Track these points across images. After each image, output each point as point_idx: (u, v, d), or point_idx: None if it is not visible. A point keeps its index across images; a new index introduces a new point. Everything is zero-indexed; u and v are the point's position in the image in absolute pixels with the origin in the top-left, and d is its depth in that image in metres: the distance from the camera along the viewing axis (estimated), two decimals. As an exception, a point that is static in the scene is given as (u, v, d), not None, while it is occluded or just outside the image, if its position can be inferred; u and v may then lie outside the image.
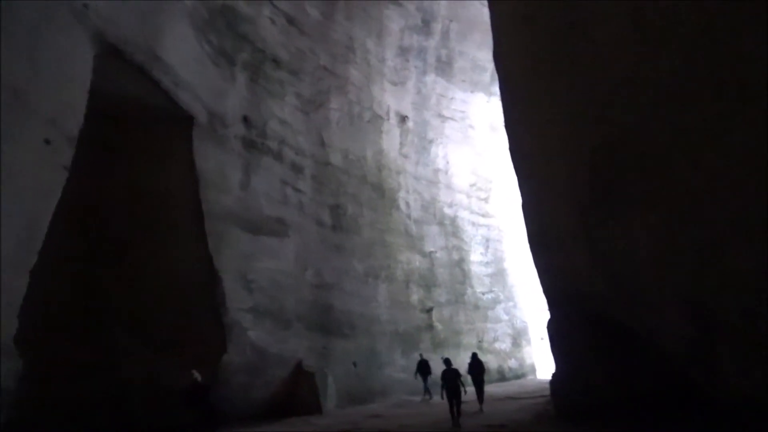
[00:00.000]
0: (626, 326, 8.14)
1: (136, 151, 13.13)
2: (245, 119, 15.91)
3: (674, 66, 5.62)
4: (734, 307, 4.82)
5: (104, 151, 12.82)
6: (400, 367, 19.82)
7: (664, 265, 5.99)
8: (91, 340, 12.28)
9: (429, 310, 22.22)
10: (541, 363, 27.14)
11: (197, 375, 9.38)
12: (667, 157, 5.64)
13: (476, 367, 14.85)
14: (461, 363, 21.46)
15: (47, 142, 9.02)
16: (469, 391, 13.62)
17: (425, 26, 25.81)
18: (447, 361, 12.82)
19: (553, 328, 11.21)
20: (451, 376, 12.19)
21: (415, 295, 22.12)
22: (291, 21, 18.89)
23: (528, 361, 26.78)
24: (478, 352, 17.54)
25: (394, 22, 24.29)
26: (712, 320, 5.19)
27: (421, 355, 19.26)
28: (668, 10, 5.60)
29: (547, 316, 12.16)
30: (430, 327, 22.14)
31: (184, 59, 13.38)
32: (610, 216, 7.07)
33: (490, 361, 22.80)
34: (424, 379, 18.53)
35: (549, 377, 12.35)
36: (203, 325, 13.13)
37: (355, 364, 17.98)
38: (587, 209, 7.69)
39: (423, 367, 18.65)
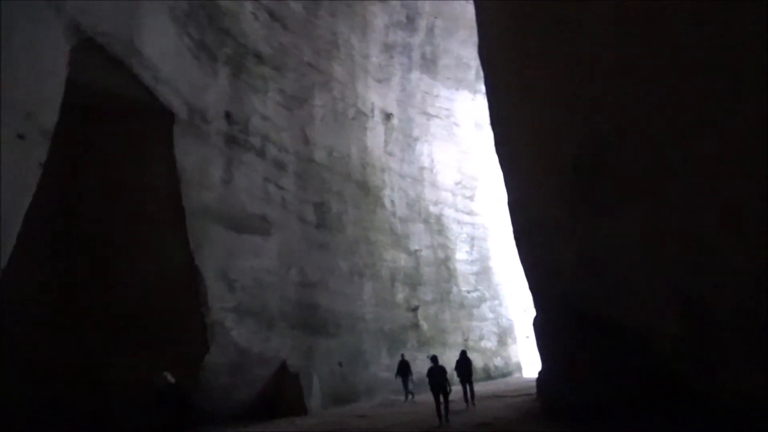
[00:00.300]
0: (614, 323, 8.07)
1: (115, 147, 12.80)
2: (227, 115, 15.62)
3: (664, 60, 5.52)
4: (728, 303, 4.73)
5: (81, 146, 12.48)
6: (385, 366, 19.68)
7: (654, 260, 5.90)
8: (69, 340, 11.95)
9: (414, 309, 22.11)
10: (526, 361, 27.18)
11: (169, 375, 9.54)
12: (658, 151, 5.55)
13: (464, 364, 14.76)
14: (447, 361, 21.36)
15: (21, 137, 8.69)
16: (456, 389, 13.54)
17: (410, 23, 25.66)
18: (434, 359, 12.74)
19: (539, 325, 11.13)
20: (437, 373, 12.06)
21: (401, 294, 21.99)
22: (274, 16, 18.61)
23: (514, 359, 26.81)
24: (466, 349, 17.43)
25: (379, 18, 24.11)
26: (705, 317, 5.10)
27: (402, 355, 18.93)
28: (656, 3, 5.50)
29: (533, 314, 12.11)
30: (416, 326, 22.03)
31: (163, 53, 13.06)
32: (598, 212, 6.98)
33: (476, 359, 22.68)
34: (404, 381, 18.12)
35: (535, 375, 12.30)
36: (185, 324, 12.85)
37: (340, 364, 17.80)
38: (574, 205, 7.60)
39: (403, 368, 18.27)
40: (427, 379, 12.25)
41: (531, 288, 11.33)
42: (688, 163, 5.24)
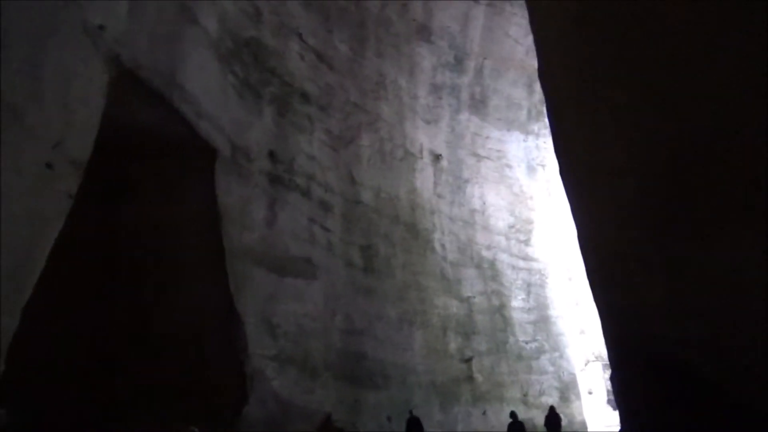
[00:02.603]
0: (716, 377, 6.61)
1: (153, 184, 12.38)
2: (271, 154, 15.13)
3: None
4: None
5: (118, 182, 12.09)
6: (437, 423, 18.13)
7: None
8: (94, 389, 11.22)
9: (468, 360, 20.57)
10: (591, 419, 24.93)
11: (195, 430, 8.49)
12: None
13: (554, 420, 15.37)
14: (505, 419, 19.61)
15: (49, 166, 8.23)
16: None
17: (458, 64, 25.16)
18: (513, 414, 13.71)
19: (617, 379, 9.63)
20: (518, 429, 12.67)
21: (453, 344, 20.57)
22: (320, 56, 18.38)
23: (578, 418, 24.55)
24: (555, 406, 16.71)
25: (426, 59, 23.71)
26: None
27: (411, 412, 16.25)
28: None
29: (596, 368, 10.76)
30: (470, 378, 20.44)
31: (206, 89, 12.74)
32: (699, 237, 5.74)
33: (536, 417, 20.85)
34: None
35: None
36: (221, 373, 11.95)
37: (389, 419, 16.43)
38: (665, 231, 6.37)
39: (413, 428, 15.68)
40: None
41: (607, 336, 9.88)
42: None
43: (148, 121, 11.53)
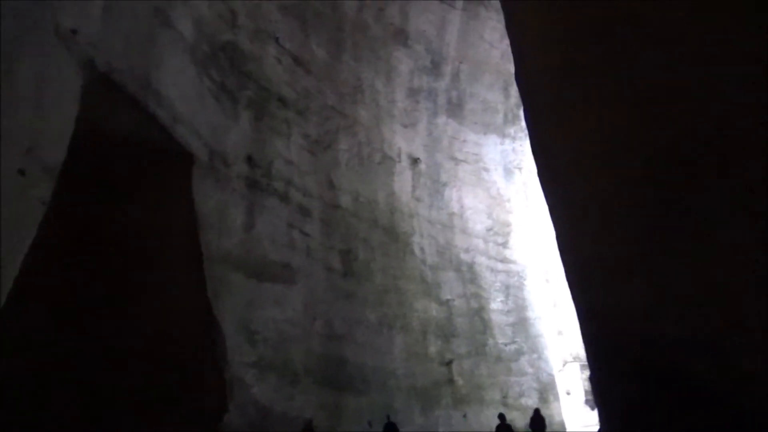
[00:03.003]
0: (700, 378, 6.67)
1: (128, 189, 12.13)
2: (249, 158, 14.98)
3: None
4: None
5: (94, 188, 11.84)
6: (418, 426, 18.11)
7: None
8: (72, 397, 10.95)
9: (448, 363, 20.60)
10: (569, 420, 25.18)
11: None
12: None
13: (538, 422, 16.26)
14: (485, 421, 19.71)
15: (21, 172, 8.00)
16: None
17: (435, 68, 25.28)
18: (501, 416, 15.07)
19: (597, 380, 9.69)
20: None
21: (433, 347, 20.58)
22: (297, 60, 18.29)
23: (557, 419, 24.73)
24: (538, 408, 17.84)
25: (403, 63, 23.76)
26: None
27: (388, 417, 16.22)
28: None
29: (574, 368, 10.82)
30: (450, 381, 20.47)
31: (182, 93, 12.55)
32: (682, 238, 5.82)
33: (516, 418, 20.94)
34: None
35: None
36: (200, 380, 11.76)
37: (370, 424, 16.35)
38: (647, 232, 6.45)
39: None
40: None
41: (586, 337, 9.93)
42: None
43: (124, 126, 11.31)
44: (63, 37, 9.21)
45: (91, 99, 9.87)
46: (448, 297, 22.42)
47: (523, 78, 10.27)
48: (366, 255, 19.04)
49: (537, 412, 16.71)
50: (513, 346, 24.59)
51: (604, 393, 9.63)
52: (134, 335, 11.51)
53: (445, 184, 25.02)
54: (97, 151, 11.51)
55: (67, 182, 9.11)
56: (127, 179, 12.16)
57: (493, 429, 17.58)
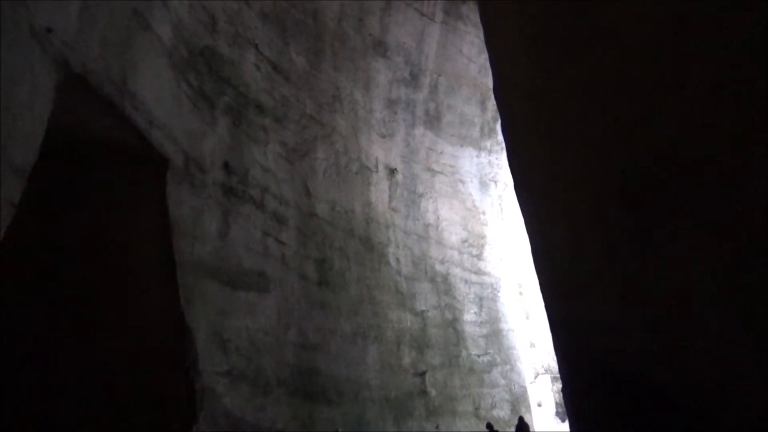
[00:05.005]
0: (669, 389, 6.79)
1: (100, 195, 11.88)
2: (225, 165, 14.83)
3: (732, 62, 4.66)
4: None
5: (64, 192, 11.58)
6: (391, 438, 18.03)
7: (734, 309, 4.82)
8: (38, 408, 10.62)
9: (422, 374, 20.59)
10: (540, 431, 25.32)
11: None
12: (735, 167, 4.59)
13: (522, 429, 17.93)
14: (458, 432, 19.68)
15: (-11, 173, 7.80)
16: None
17: (413, 79, 25.48)
18: (489, 426, 17.26)
19: (569, 392, 9.80)
20: None
21: (407, 358, 20.55)
22: (276, 68, 18.24)
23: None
24: (522, 416, 19.55)
25: (382, 74, 23.90)
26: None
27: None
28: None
29: (545, 380, 10.90)
30: (424, 392, 20.45)
31: (159, 97, 12.39)
32: (651, 251, 5.93)
33: (488, 430, 20.98)
34: None
35: None
36: (169, 390, 11.52)
37: (341, 435, 16.21)
38: (618, 245, 6.56)
39: None
40: None
41: (559, 349, 10.05)
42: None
43: (97, 128, 11.10)
44: (37, 36, 9.03)
45: (64, 100, 9.69)
46: (423, 308, 22.45)
47: (501, 92, 10.42)
48: (341, 265, 18.97)
49: (521, 419, 18.30)
50: (486, 358, 24.70)
51: (575, 404, 9.74)
52: (103, 343, 11.23)
53: (421, 195, 25.13)
54: (70, 153, 11.28)
55: (37, 185, 8.90)
56: (99, 183, 11.91)
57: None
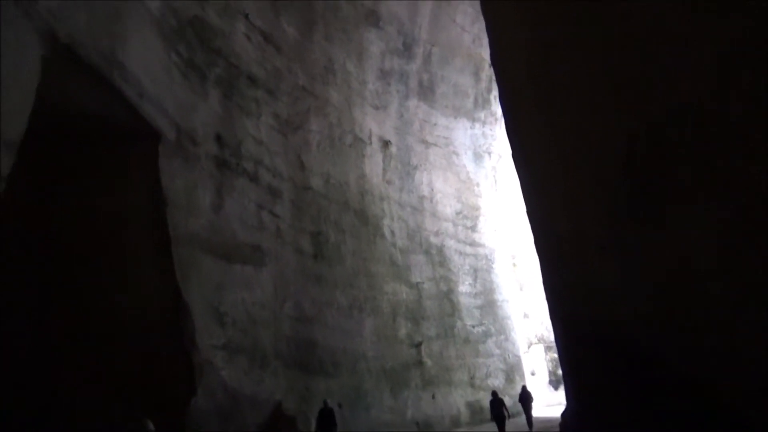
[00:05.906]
0: (666, 358, 6.83)
1: (92, 170, 11.70)
2: (218, 137, 14.62)
3: (743, 23, 4.56)
4: None
5: (55, 167, 11.39)
6: (388, 408, 18.24)
7: (735, 278, 4.80)
8: (37, 385, 10.61)
9: (418, 345, 20.76)
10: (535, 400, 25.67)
11: (150, 424, 8.24)
12: (742, 134, 4.53)
13: (525, 397, 19.00)
14: (453, 402, 19.96)
15: (-22, 147, 7.63)
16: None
17: (406, 50, 25.10)
18: (494, 393, 17.67)
19: (567, 359, 9.91)
20: (497, 404, 16.55)
21: (403, 329, 20.68)
22: (267, 38, 17.86)
23: (522, 398, 25.27)
24: (526, 384, 21.07)
25: (375, 44, 23.51)
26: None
27: (325, 402, 14.53)
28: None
29: (538, 349, 11.00)
30: (420, 363, 20.65)
31: (149, 69, 12.12)
32: (654, 217, 5.90)
33: (482, 399, 21.30)
34: None
35: (544, 415, 11.08)
36: (168, 364, 11.53)
37: (340, 405, 16.35)
38: (620, 211, 6.52)
39: (325, 420, 14.07)
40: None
41: (555, 315, 10.14)
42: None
43: (87, 102, 10.86)
44: (22, 5, 8.77)
45: (52, 72, 9.44)
46: (418, 280, 22.52)
47: (498, 59, 10.27)
48: (336, 237, 18.93)
49: (524, 388, 19.67)
50: (481, 328, 24.93)
51: (573, 371, 9.84)
52: (100, 318, 11.19)
53: (415, 167, 25.01)
54: (60, 129, 11.06)
55: (28, 162, 8.73)
56: (90, 157, 11.72)
57: (461, 409, 18.16)
